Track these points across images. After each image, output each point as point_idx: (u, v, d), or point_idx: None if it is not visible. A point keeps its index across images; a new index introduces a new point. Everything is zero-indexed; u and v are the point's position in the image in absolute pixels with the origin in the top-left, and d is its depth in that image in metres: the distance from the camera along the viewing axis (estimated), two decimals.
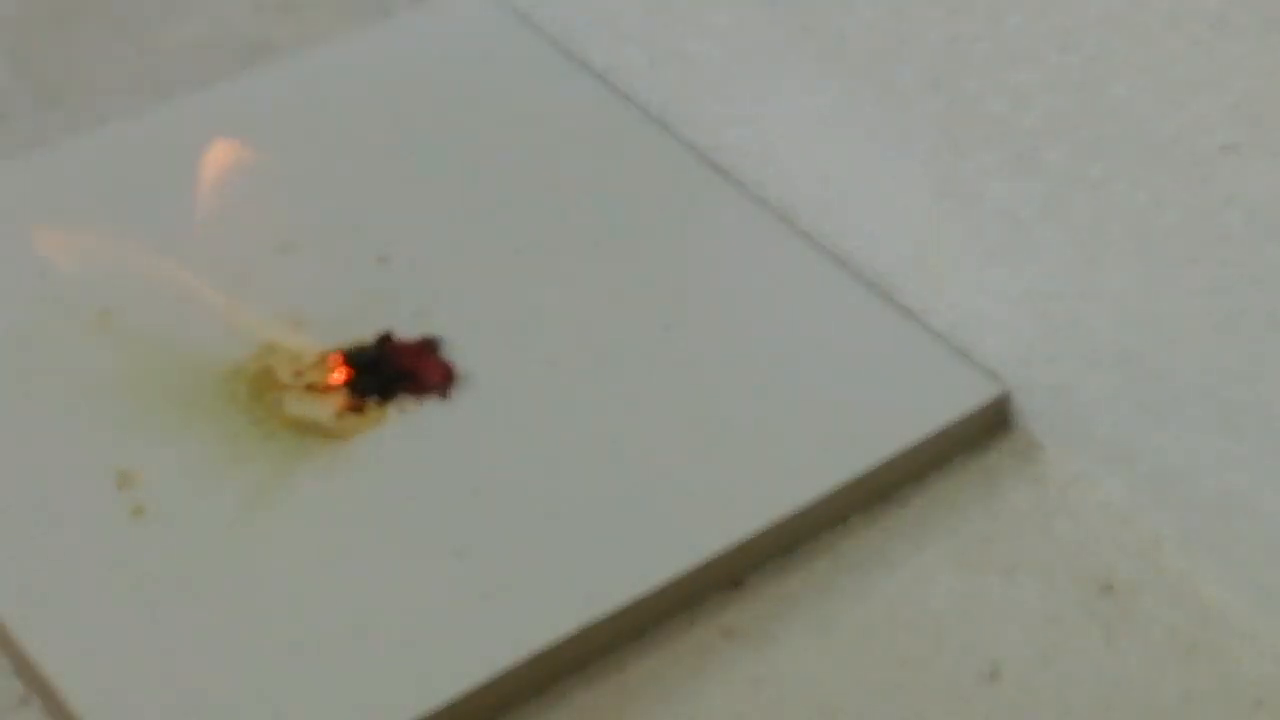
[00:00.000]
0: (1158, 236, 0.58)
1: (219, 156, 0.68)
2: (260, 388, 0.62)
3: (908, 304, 0.66)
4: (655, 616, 0.58)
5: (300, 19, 0.77)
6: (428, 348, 0.63)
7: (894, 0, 0.63)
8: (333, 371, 0.63)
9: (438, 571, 0.58)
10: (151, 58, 0.75)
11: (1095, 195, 0.59)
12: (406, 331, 0.64)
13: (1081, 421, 0.62)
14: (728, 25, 0.69)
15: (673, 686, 0.57)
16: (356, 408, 0.62)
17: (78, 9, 0.77)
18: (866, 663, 0.58)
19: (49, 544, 0.58)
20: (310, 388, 0.62)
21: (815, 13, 0.65)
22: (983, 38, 0.60)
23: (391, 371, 0.63)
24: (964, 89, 0.61)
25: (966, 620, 0.59)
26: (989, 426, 0.63)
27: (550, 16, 0.75)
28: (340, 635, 0.56)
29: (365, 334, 0.64)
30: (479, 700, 0.55)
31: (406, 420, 0.62)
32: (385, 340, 0.63)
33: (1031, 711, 0.57)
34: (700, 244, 0.68)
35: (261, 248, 0.67)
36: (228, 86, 0.73)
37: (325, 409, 0.62)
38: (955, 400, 0.63)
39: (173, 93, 0.73)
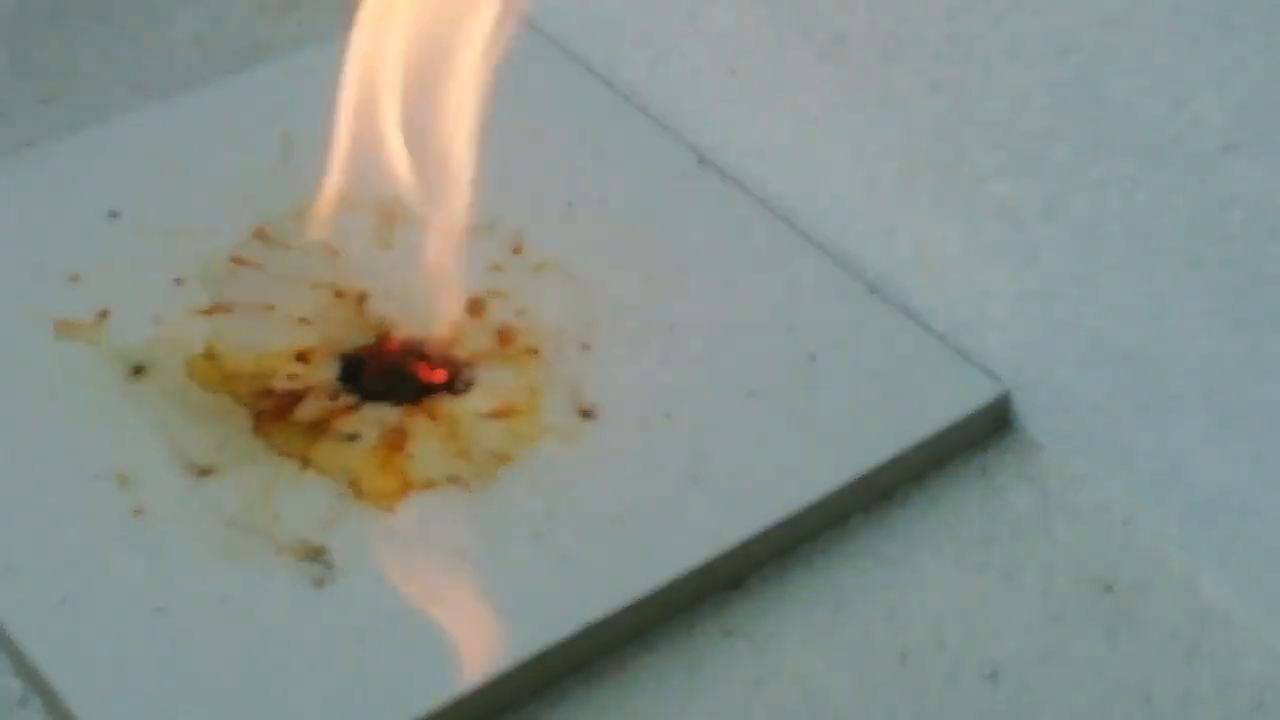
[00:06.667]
0: (1158, 237, 0.58)
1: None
2: (261, 389, 0.62)
3: (907, 304, 0.66)
4: (655, 617, 0.58)
5: (300, 19, 0.77)
6: (427, 347, 0.63)
7: (894, 1, 0.63)
8: (333, 372, 0.63)
9: (436, 571, 0.58)
10: (151, 58, 0.75)
11: (1095, 195, 0.59)
12: (410, 331, 0.64)
13: (1082, 422, 0.62)
14: (727, 25, 0.69)
15: (672, 686, 0.57)
16: (354, 408, 0.62)
17: (78, 7, 0.77)
18: (866, 663, 0.58)
19: (48, 543, 0.58)
20: (310, 390, 0.62)
21: (815, 13, 0.65)
22: (983, 38, 0.60)
23: (392, 374, 0.63)
24: (964, 89, 0.61)
25: (966, 620, 0.59)
26: (989, 427, 0.63)
27: (549, 16, 0.75)
28: (342, 635, 0.56)
29: (366, 335, 0.64)
30: (479, 701, 0.55)
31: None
32: (384, 340, 0.63)
33: (1031, 712, 0.57)
34: (698, 243, 0.68)
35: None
36: (228, 86, 0.73)
37: (323, 410, 0.62)
38: (955, 401, 0.63)
39: (173, 93, 0.73)
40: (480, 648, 0.56)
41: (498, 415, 0.62)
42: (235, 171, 0.69)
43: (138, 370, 0.63)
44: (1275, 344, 0.57)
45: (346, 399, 0.62)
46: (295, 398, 0.62)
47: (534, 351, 0.64)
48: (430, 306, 0.64)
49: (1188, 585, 0.60)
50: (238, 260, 0.66)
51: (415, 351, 0.63)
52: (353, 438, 0.61)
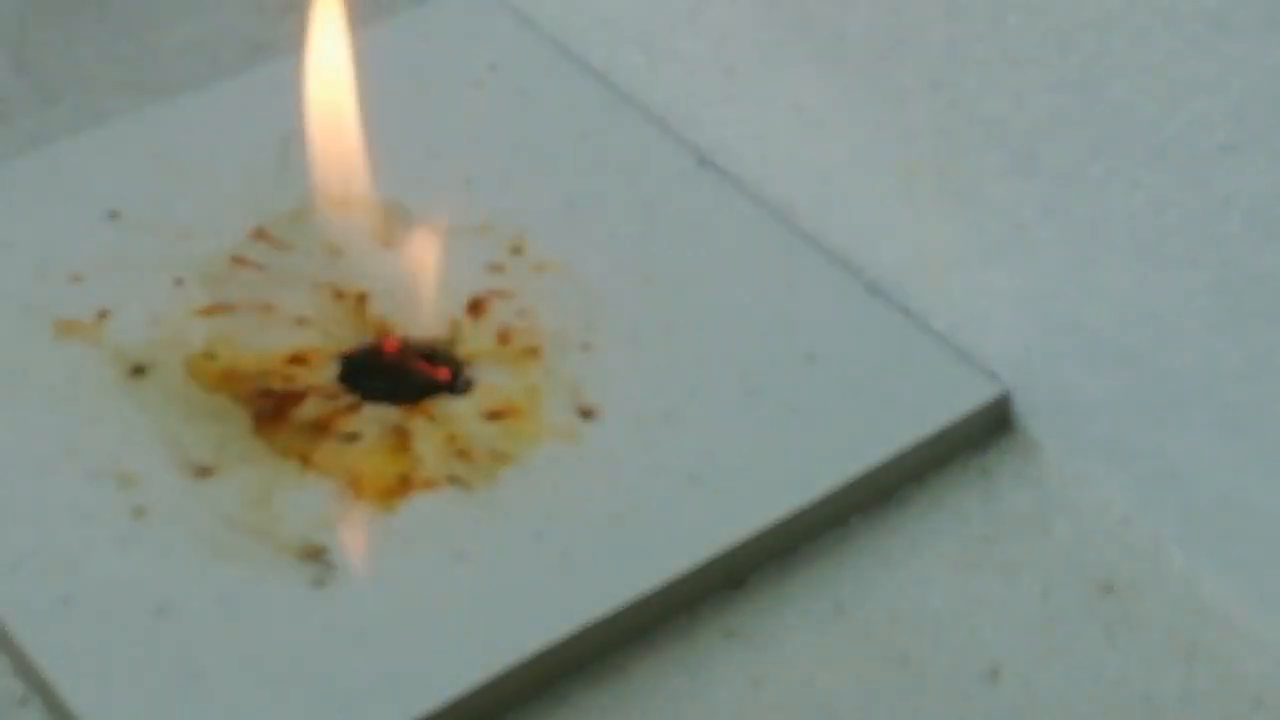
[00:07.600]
0: (1158, 236, 0.58)
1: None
2: (260, 389, 0.62)
3: (907, 304, 0.66)
4: (656, 616, 0.58)
5: (300, 19, 0.77)
6: (431, 348, 0.64)
7: (894, 0, 0.63)
8: (333, 373, 0.63)
9: (436, 571, 0.58)
10: (151, 58, 0.75)
11: (1095, 195, 0.59)
12: (410, 331, 0.64)
13: (1081, 421, 0.62)
14: (727, 25, 0.69)
15: (673, 687, 0.57)
16: (354, 409, 0.62)
17: (78, 8, 0.77)
18: (867, 663, 0.58)
19: (48, 543, 0.58)
20: (310, 390, 0.62)
21: (815, 13, 0.65)
22: (983, 38, 0.60)
23: (392, 374, 0.63)
24: (964, 89, 0.61)
25: (967, 620, 0.59)
26: (989, 427, 0.63)
27: (549, 16, 0.75)
28: (342, 635, 0.56)
29: (366, 335, 0.64)
30: (479, 700, 0.55)
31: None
32: (384, 340, 0.64)
33: (1032, 711, 0.57)
34: (698, 243, 0.68)
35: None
36: (228, 86, 0.73)
37: (323, 410, 0.62)
38: (955, 400, 0.63)
39: (173, 93, 0.73)
40: (480, 648, 0.56)
41: (498, 415, 0.62)
42: (235, 171, 0.69)
43: (138, 370, 0.63)
44: (1275, 344, 0.57)
45: (346, 399, 0.62)
46: (295, 398, 0.62)
47: (534, 351, 0.64)
48: (430, 306, 0.64)
49: (1188, 585, 0.60)
50: (238, 260, 0.66)
51: (415, 351, 0.64)
52: (353, 438, 0.61)
